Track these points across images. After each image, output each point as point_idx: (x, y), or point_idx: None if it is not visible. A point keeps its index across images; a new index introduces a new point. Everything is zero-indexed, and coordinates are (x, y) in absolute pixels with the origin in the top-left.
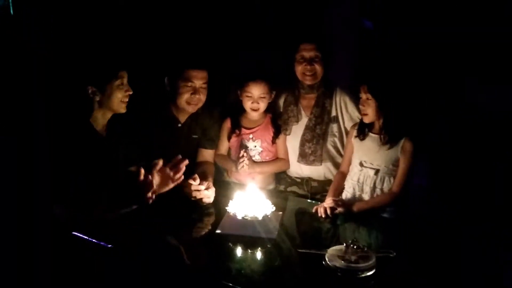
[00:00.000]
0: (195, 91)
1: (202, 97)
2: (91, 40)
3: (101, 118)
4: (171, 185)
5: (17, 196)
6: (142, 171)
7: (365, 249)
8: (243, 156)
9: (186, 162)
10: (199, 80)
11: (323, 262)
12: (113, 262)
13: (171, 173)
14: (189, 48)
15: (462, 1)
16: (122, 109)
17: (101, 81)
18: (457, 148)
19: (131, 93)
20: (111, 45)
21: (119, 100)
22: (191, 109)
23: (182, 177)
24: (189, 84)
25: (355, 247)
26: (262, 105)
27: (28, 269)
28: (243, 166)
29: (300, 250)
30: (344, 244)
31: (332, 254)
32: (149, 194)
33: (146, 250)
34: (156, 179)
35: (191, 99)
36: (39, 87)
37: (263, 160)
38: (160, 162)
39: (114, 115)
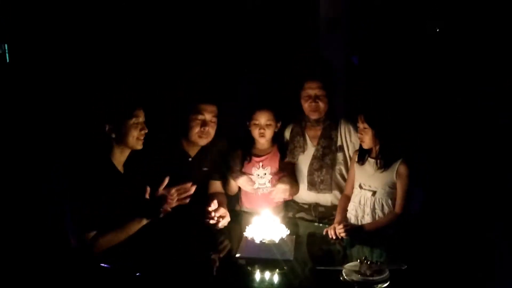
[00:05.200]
0: (204, 124)
1: (211, 131)
2: (108, 79)
3: (119, 155)
4: (174, 204)
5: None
6: (164, 184)
7: (378, 263)
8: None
9: (193, 189)
10: (208, 113)
11: (340, 278)
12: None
13: (175, 194)
14: (199, 82)
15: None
16: (138, 146)
17: (117, 120)
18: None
19: (146, 131)
20: (127, 83)
21: (135, 138)
22: (202, 142)
23: (188, 199)
24: (199, 117)
25: (369, 262)
26: (269, 132)
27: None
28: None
29: (318, 268)
30: (359, 261)
31: (349, 270)
32: (162, 208)
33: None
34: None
35: (202, 132)
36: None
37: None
38: (166, 180)
39: (132, 152)
